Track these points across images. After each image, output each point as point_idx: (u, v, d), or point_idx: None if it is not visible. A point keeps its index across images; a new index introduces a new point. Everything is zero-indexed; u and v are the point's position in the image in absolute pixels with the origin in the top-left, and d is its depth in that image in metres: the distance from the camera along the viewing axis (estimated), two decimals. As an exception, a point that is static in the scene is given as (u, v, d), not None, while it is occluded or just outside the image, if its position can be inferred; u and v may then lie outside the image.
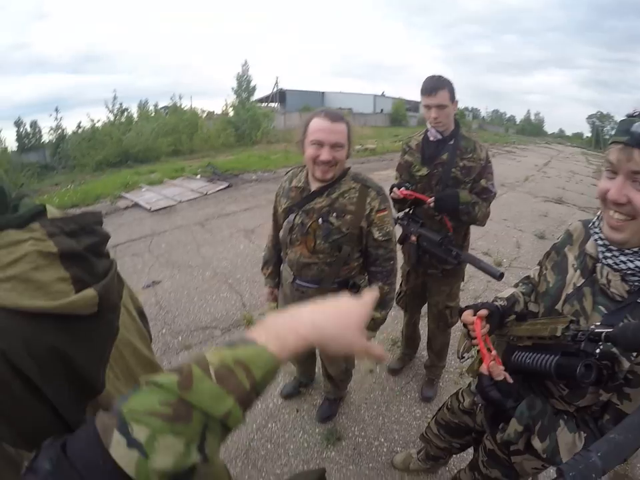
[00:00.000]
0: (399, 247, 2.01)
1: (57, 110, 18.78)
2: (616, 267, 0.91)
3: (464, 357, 1.39)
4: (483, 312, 1.15)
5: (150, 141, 16.08)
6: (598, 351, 0.83)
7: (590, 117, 71.47)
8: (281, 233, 1.80)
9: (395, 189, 2.08)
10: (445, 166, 2.04)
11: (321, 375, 2.40)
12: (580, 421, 0.99)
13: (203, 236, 5.58)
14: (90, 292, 0.59)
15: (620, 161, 0.83)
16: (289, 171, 1.87)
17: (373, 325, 1.82)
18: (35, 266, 0.55)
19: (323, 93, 41.95)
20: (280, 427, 2.36)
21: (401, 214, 2.27)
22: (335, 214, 1.62)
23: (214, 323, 3.38)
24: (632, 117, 0.83)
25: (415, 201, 2.10)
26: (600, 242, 0.96)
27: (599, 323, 0.88)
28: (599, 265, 0.96)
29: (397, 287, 2.45)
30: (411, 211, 2.24)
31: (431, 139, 2.09)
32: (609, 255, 0.92)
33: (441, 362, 2.65)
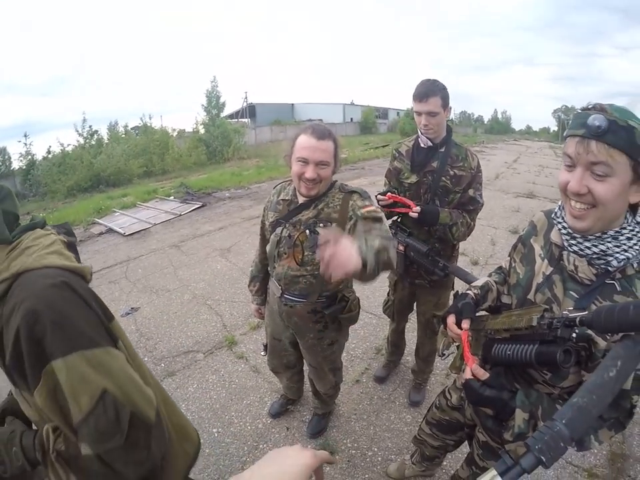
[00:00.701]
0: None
1: (25, 135, 17.97)
2: (581, 252, 0.95)
3: (444, 354, 1.44)
4: (466, 323, 1.19)
5: (121, 163, 15.94)
6: (574, 335, 0.85)
7: (555, 111, 73.86)
8: (268, 247, 1.79)
9: (379, 196, 2.07)
10: (434, 174, 2.02)
11: (309, 391, 2.38)
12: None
13: (179, 258, 5.51)
14: (88, 265, 0.95)
15: (578, 154, 0.87)
16: (277, 185, 1.88)
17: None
18: (62, 247, 0.92)
19: (292, 104, 42.18)
20: (271, 447, 2.31)
21: (389, 222, 2.18)
22: (321, 224, 1.62)
23: (196, 347, 3.32)
24: (587, 110, 0.87)
25: (399, 208, 2.07)
26: (563, 231, 1.00)
27: (571, 308, 0.92)
28: (565, 252, 1.00)
29: (385, 296, 2.47)
30: (399, 219, 2.24)
31: (422, 145, 2.05)
32: (573, 242, 0.96)
33: (428, 367, 2.63)
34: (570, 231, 0.97)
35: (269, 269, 1.88)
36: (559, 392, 1.05)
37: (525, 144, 31.24)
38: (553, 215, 1.06)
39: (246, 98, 33.73)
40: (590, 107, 0.87)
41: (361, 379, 2.87)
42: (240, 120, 32.01)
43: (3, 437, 0.86)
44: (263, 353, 2.27)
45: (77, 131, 18.41)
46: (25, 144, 19.01)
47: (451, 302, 1.89)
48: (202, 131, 20.87)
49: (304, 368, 2.32)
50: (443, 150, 2.02)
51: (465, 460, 1.57)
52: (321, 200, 1.66)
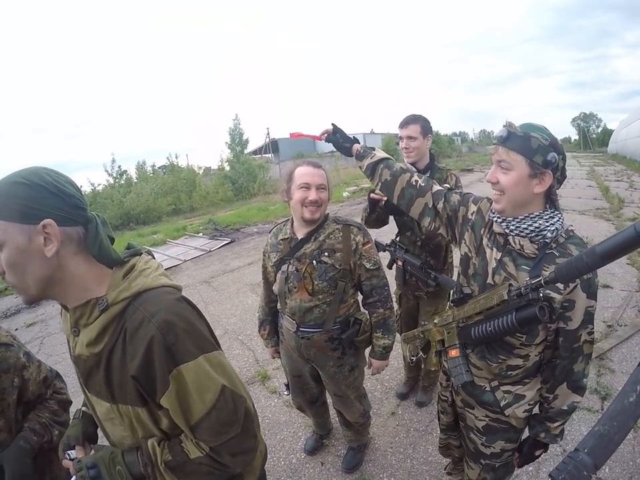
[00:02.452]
0: (391, 273, 2.17)
1: None
2: (522, 233, 1.20)
3: (412, 360, 1.73)
4: None
5: (150, 202, 16.30)
6: (541, 295, 1.09)
7: (574, 119, 72.29)
8: (277, 286, 1.89)
9: (371, 194, 2.22)
10: None
11: (339, 423, 2.37)
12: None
13: (210, 294, 5.61)
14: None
15: (492, 155, 1.22)
16: (272, 229, 2.01)
17: (384, 353, 1.93)
18: (163, 269, 1.03)
19: (314, 140, 42.79)
20: (306, 484, 2.29)
21: (388, 241, 2.55)
22: (326, 253, 1.77)
23: (229, 382, 3.32)
24: (503, 127, 1.18)
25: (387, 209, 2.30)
26: (499, 221, 1.26)
27: (528, 278, 1.14)
28: (510, 237, 1.23)
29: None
30: (397, 239, 2.49)
31: None
32: (512, 227, 1.21)
33: (435, 372, 2.68)
34: (506, 219, 1.23)
35: (279, 307, 1.97)
36: (535, 350, 1.28)
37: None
38: (489, 214, 1.33)
39: (268, 134, 34.55)
40: (504, 125, 1.19)
41: (397, 411, 2.83)
42: (263, 155, 32.76)
43: (105, 459, 0.94)
44: (286, 393, 2.29)
45: (107, 171, 19.12)
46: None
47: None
48: (227, 168, 21.43)
49: (328, 401, 2.34)
50: (428, 174, 2.26)
51: (468, 460, 1.62)
52: (319, 232, 1.81)
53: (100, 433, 1.09)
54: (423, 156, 2.29)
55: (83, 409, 1.17)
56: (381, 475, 2.30)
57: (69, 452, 1.06)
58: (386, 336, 1.90)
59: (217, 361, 0.94)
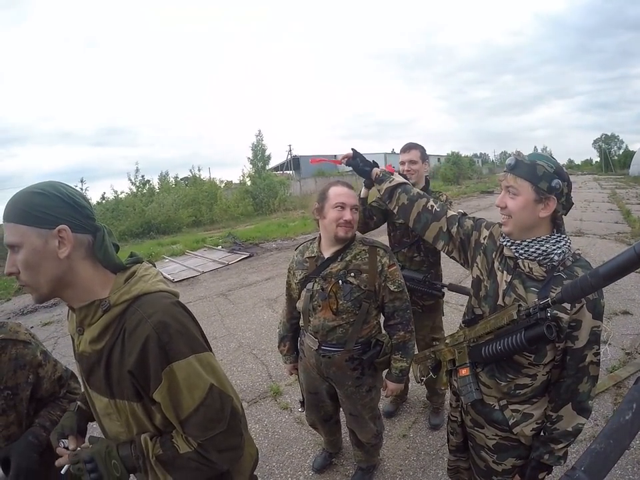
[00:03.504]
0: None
1: (82, 181, 18.68)
2: (530, 257, 1.26)
3: (422, 380, 1.75)
4: None
5: (171, 212, 16.57)
6: (549, 314, 1.14)
7: (595, 141, 70.87)
8: (301, 304, 1.91)
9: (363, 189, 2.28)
10: None
11: (350, 442, 2.35)
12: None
13: (226, 307, 5.66)
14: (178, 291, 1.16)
15: (501, 181, 1.30)
16: (298, 246, 2.05)
17: (401, 376, 1.92)
18: (162, 277, 1.11)
19: (335, 156, 43.19)
20: (313, 502, 2.28)
21: None
22: (352, 274, 1.80)
23: (240, 395, 3.35)
24: (512, 156, 1.27)
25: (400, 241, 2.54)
26: (509, 245, 1.32)
27: (537, 299, 1.20)
28: (519, 260, 1.29)
29: None
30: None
31: None
32: (521, 250, 1.28)
33: (441, 391, 2.80)
34: (515, 242, 1.30)
35: (301, 323, 1.99)
36: (542, 370, 1.30)
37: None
38: (500, 239, 1.39)
39: (290, 150, 34.97)
40: (514, 154, 1.27)
41: (408, 433, 2.79)
42: (285, 172, 33.12)
43: (101, 453, 0.99)
44: (300, 409, 2.32)
45: (130, 180, 19.58)
46: (82, 189, 20.34)
47: (444, 325, 2.71)
48: (249, 182, 21.70)
49: (341, 420, 2.34)
50: None
51: (478, 477, 1.61)
52: (346, 252, 1.84)
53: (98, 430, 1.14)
54: (420, 179, 2.51)
55: (79, 403, 1.25)
56: (389, 498, 2.27)
57: (63, 440, 1.12)
58: (404, 359, 1.90)
59: (207, 361, 1.02)
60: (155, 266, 1.17)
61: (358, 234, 1.94)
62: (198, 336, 1.04)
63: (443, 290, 2.46)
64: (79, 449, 1.06)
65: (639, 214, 10.68)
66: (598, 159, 63.64)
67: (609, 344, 3.75)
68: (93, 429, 1.26)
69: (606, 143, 65.42)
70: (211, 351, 1.08)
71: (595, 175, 39.77)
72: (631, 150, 53.78)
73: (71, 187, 0.96)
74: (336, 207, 1.77)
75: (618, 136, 67.57)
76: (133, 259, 1.09)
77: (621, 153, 61.19)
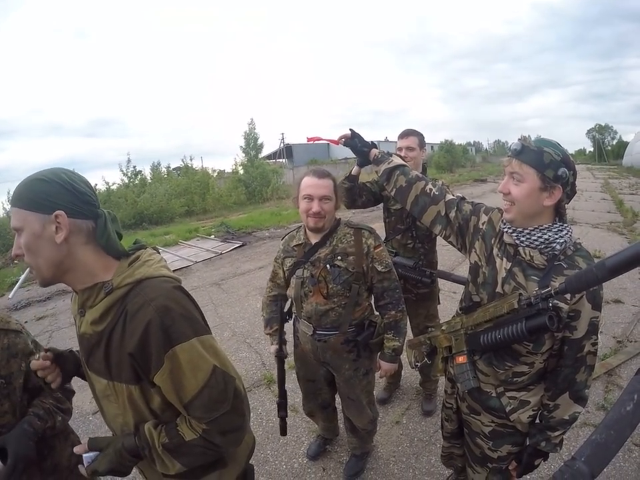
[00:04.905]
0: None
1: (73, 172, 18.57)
2: (532, 245, 1.25)
3: (417, 366, 1.75)
4: None
5: (164, 202, 16.37)
6: (551, 305, 1.13)
7: (589, 131, 70.81)
8: (292, 291, 1.92)
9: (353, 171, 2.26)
10: None
11: (345, 429, 2.37)
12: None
13: (219, 296, 5.66)
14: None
15: (505, 167, 1.26)
16: (284, 236, 2.06)
17: (394, 355, 1.93)
18: (165, 263, 1.12)
19: (328, 144, 43.04)
20: (307, 489, 2.30)
21: None
22: (339, 257, 1.82)
23: (235, 384, 3.34)
24: (518, 141, 1.23)
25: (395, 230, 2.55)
26: (510, 231, 1.30)
27: (537, 288, 1.19)
28: (520, 248, 1.28)
29: None
30: (386, 243, 2.53)
31: None
32: (523, 238, 1.26)
33: (434, 377, 2.83)
34: (516, 230, 1.28)
35: (294, 310, 2.00)
36: (540, 358, 1.31)
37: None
38: (500, 225, 1.37)
39: (283, 139, 34.77)
40: (519, 139, 1.23)
41: (401, 420, 2.82)
42: (277, 160, 32.93)
43: (113, 462, 1.03)
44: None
45: (122, 171, 19.06)
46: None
47: (441, 313, 2.71)
48: (241, 171, 21.49)
49: (337, 407, 2.35)
50: None
51: (474, 464, 1.63)
52: (332, 236, 1.86)
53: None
54: (417, 167, 2.44)
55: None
56: (382, 484, 2.29)
57: (83, 455, 1.11)
58: (397, 338, 1.91)
59: (209, 343, 1.03)
60: (159, 253, 1.19)
61: (343, 218, 1.95)
62: (200, 319, 1.05)
63: (432, 277, 2.45)
64: (91, 459, 1.07)
65: (632, 204, 10.81)
66: (591, 149, 63.89)
67: (601, 332, 3.76)
68: (89, 421, 1.24)
69: (600, 133, 65.52)
70: (211, 333, 1.09)
71: (589, 164, 39.98)
72: (624, 140, 53.96)
73: (74, 174, 0.98)
74: (304, 199, 1.79)
75: (612, 126, 67.61)
76: (137, 245, 1.11)
77: (614, 143, 61.42)
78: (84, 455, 1.07)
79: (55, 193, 0.91)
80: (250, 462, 1.39)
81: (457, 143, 38.71)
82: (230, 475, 1.23)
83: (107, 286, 0.98)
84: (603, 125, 68.04)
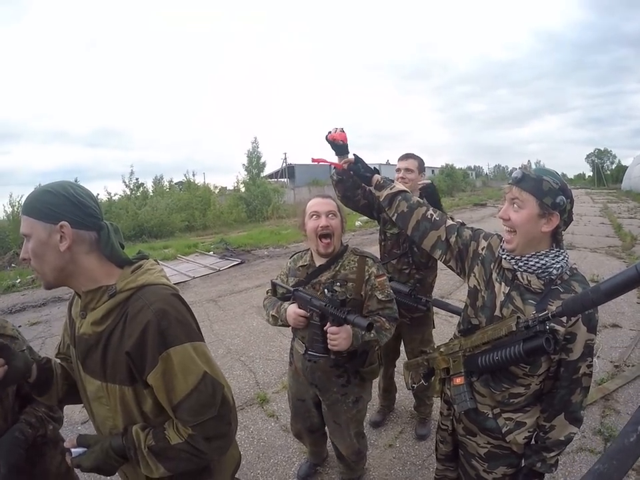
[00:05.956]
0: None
1: (76, 181, 18.24)
2: (529, 270, 1.28)
3: (413, 387, 1.77)
4: None
5: (164, 216, 16.39)
6: (548, 327, 1.16)
7: (588, 155, 71.35)
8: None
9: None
10: None
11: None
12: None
13: (215, 313, 5.64)
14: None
15: (506, 193, 1.31)
16: (293, 255, 2.07)
17: (358, 337, 1.73)
18: (165, 273, 1.18)
19: (330, 165, 43.27)
20: (296, 511, 2.26)
21: None
22: (338, 283, 1.82)
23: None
24: (519, 169, 1.28)
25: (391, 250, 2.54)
26: (508, 258, 1.33)
27: (534, 312, 1.21)
28: (518, 273, 1.31)
29: None
30: None
31: None
32: (521, 263, 1.29)
33: (429, 401, 2.83)
34: (514, 256, 1.31)
35: (291, 329, 1.97)
36: (536, 380, 1.32)
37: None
38: (499, 251, 1.40)
39: (285, 159, 35.00)
40: (520, 167, 1.29)
41: (394, 443, 2.78)
42: (279, 180, 33.10)
43: (98, 459, 1.06)
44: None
45: (124, 182, 19.20)
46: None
47: (436, 337, 2.62)
48: (243, 189, 21.65)
49: (327, 430, 2.28)
50: None
51: None
52: (337, 262, 1.86)
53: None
54: (414, 190, 2.40)
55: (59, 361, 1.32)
56: (374, 508, 2.25)
57: (72, 449, 1.12)
58: (372, 334, 1.75)
59: (202, 350, 1.08)
60: (159, 264, 1.24)
61: (350, 245, 1.96)
62: (195, 327, 1.11)
63: (428, 304, 2.44)
64: (79, 454, 1.09)
65: (630, 228, 10.88)
66: (591, 173, 64.28)
67: (598, 356, 3.78)
68: (77, 430, 1.24)
69: (599, 158, 66.14)
70: (204, 341, 1.14)
71: (588, 189, 40.26)
72: (623, 164, 54.50)
73: (80, 188, 1.05)
74: (312, 217, 1.83)
75: (611, 151, 68.48)
76: (140, 255, 1.18)
77: (613, 167, 61.97)
78: (72, 450, 1.09)
79: (61, 205, 0.98)
80: (236, 477, 1.40)
81: (457, 167, 39.04)
82: None
83: (111, 289, 1.04)
84: (602, 149, 68.76)
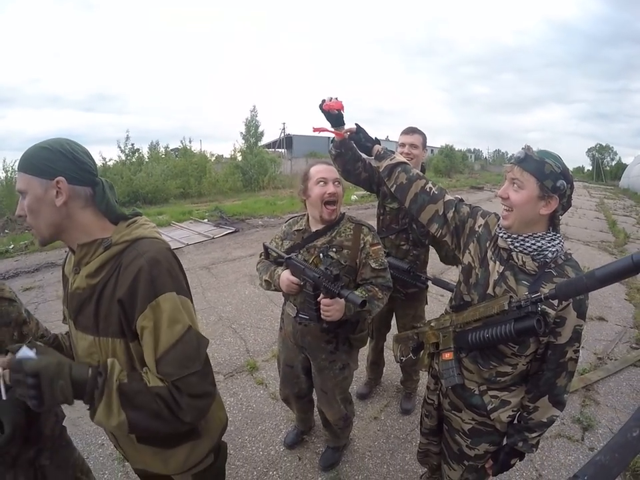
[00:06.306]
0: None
1: None
2: (525, 251, 1.29)
3: (402, 360, 1.79)
4: None
5: (159, 182, 16.16)
6: (539, 309, 1.16)
7: (589, 149, 71.41)
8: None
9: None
10: None
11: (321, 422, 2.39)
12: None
13: (208, 280, 5.65)
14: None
15: (507, 172, 1.30)
16: (289, 219, 2.06)
17: (351, 306, 1.71)
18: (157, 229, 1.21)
19: (329, 138, 42.65)
20: (281, 476, 2.33)
21: None
22: (334, 249, 1.84)
23: (217, 368, 3.38)
24: (522, 149, 1.28)
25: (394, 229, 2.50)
26: (505, 237, 1.34)
27: (527, 293, 1.24)
28: (513, 253, 1.32)
29: None
30: None
31: None
32: (517, 243, 1.30)
33: (415, 376, 2.91)
34: (511, 235, 1.32)
35: (282, 293, 1.98)
36: (524, 360, 1.35)
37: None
38: (496, 229, 1.41)
39: (284, 129, 34.55)
40: (523, 148, 1.28)
41: (380, 416, 2.85)
42: (277, 150, 32.75)
43: (49, 370, 0.91)
44: None
45: (120, 147, 18.80)
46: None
47: (426, 315, 2.65)
48: (239, 158, 21.37)
49: (314, 398, 2.35)
50: None
51: (450, 461, 1.66)
52: (334, 229, 1.88)
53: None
54: (417, 165, 2.40)
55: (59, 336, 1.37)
56: (356, 477, 2.33)
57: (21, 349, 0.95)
58: (364, 296, 1.67)
59: (188, 305, 1.10)
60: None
61: (347, 213, 1.96)
62: (183, 282, 1.13)
63: (427, 282, 2.45)
64: (23, 355, 0.93)
65: (625, 225, 10.94)
66: (590, 168, 64.11)
67: (582, 347, 3.85)
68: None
69: (600, 153, 65.97)
70: (191, 299, 1.15)
71: (586, 182, 40.24)
72: (623, 162, 54.23)
73: (76, 144, 1.06)
74: (318, 183, 1.81)
75: (612, 147, 68.25)
76: (134, 212, 1.22)
77: (613, 164, 61.63)
78: (21, 349, 0.94)
79: (56, 161, 0.99)
80: (226, 444, 1.42)
81: (457, 149, 38.76)
82: (202, 448, 1.27)
83: (106, 241, 1.07)
84: (604, 145, 68.51)
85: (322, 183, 1.80)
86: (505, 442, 1.49)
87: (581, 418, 2.83)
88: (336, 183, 1.82)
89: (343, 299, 1.63)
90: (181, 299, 1.06)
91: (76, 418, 2.64)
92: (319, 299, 1.68)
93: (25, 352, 0.94)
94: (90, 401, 0.96)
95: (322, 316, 1.68)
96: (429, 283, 2.46)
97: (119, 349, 1.05)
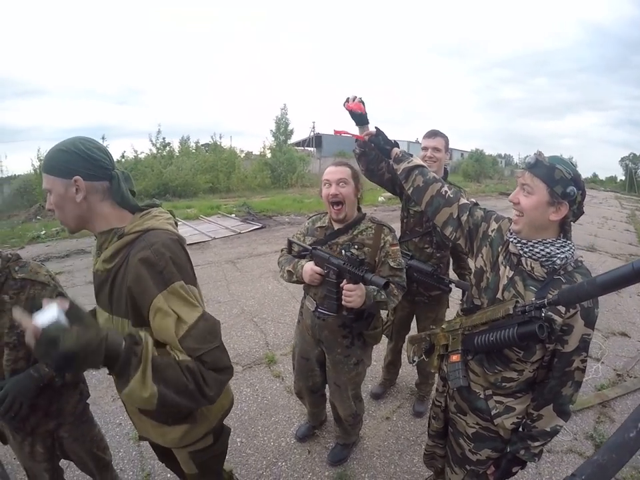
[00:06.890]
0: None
1: (103, 138, 17.19)
2: (534, 256, 1.29)
3: (414, 361, 1.80)
4: None
5: (189, 177, 16.45)
6: (543, 315, 1.20)
7: (623, 159, 67.89)
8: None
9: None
10: None
11: (333, 417, 2.45)
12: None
13: (233, 274, 5.78)
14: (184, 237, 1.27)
15: (518, 177, 1.32)
16: (312, 216, 2.15)
17: (371, 299, 1.81)
18: (173, 222, 1.27)
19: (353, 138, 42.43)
20: (289, 467, 2.40)
21: None
22: (355, 246, 1.91)
23: (236, 359, 3.49)
24: (533, 155, 1.29)
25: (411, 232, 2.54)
26: (515, 241, 1.35)
27: (534, 298, 1.25)
28: (523, 258, 1.32)
29: (385, 317, 2.56)
30: (402, 244, 2.51)
31: None
32: (526, 249, 1.31)
33: (430, 380, 2.90)
34: (521, 240, 1.32)
35: (304, 286, 2.08)
36: (530, 367, 1.35)
37: (590, 193, 29.76)
38: (507, 234, 1.41)
39: (313, 128, 34.53)
40: (534, 154, 1.29)
41: (392, 416, 2.89)
42: (306, 148, 32.75)
43: (87, 349, 0.85)
44: None
45: (151, 141, 19.21)
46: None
47: (446, 318, 2.49)
48: (269, 155, 21.54)
49: (326, 393, 2.43)
50: None
51: (453, 465, 1.68)
52: (355, 227, 1.94)
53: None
54: (440, 169, 2.43)
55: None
56: (363, 475, 2.38)
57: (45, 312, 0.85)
58: (383, 296, 1.83)
59: (196, 294, 1.16)
60: (174, 216, 1.33)
61: (368, 214, 2.02)
62: (191, 271, 1.20)
63: (450, 285, 2.47)
64: (52, 317, 0.84)
65: (656, 240, 10.51)
66: (623, 178, 61.62)
67: (602, 362, 3.79)
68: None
69: (633, 163, 63.04)
70: (198, 286, 1.23)
71: (618, 193, 38.75)
72: (659, 173, 52.02)
73: (90, 142, 1.14)
74: (324, 185, 1.91)
75: (647, 157, 65.10)
76: (150, 202, 1.28)
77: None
78: (49, 308, 0.85)
79: (73, 162, 1.09)
80: (229, 428, 1.52)
81: (487, 153, 37.94)
82: (199, 430, 1.35)
83: (119, 231, 1.15)
84: (638, 154, 65.58)
85: (327, 184, 1.89)
86: (507, 449, 1.49)
87: (594, 434, 2.80)
88: (340, 184, 1.86)
89: (364, 286, 1.74)
90: (190, 288, 1.13)
91: (96, 397, 2.80)
92: (342, 285, 1.75)
93: (52, 312, 0.83)
94: (124, 369, 0.93)
95: (343, 302, 1.76)
96: (452, 286, 2.48)
97: (127, 329, 1.13)
